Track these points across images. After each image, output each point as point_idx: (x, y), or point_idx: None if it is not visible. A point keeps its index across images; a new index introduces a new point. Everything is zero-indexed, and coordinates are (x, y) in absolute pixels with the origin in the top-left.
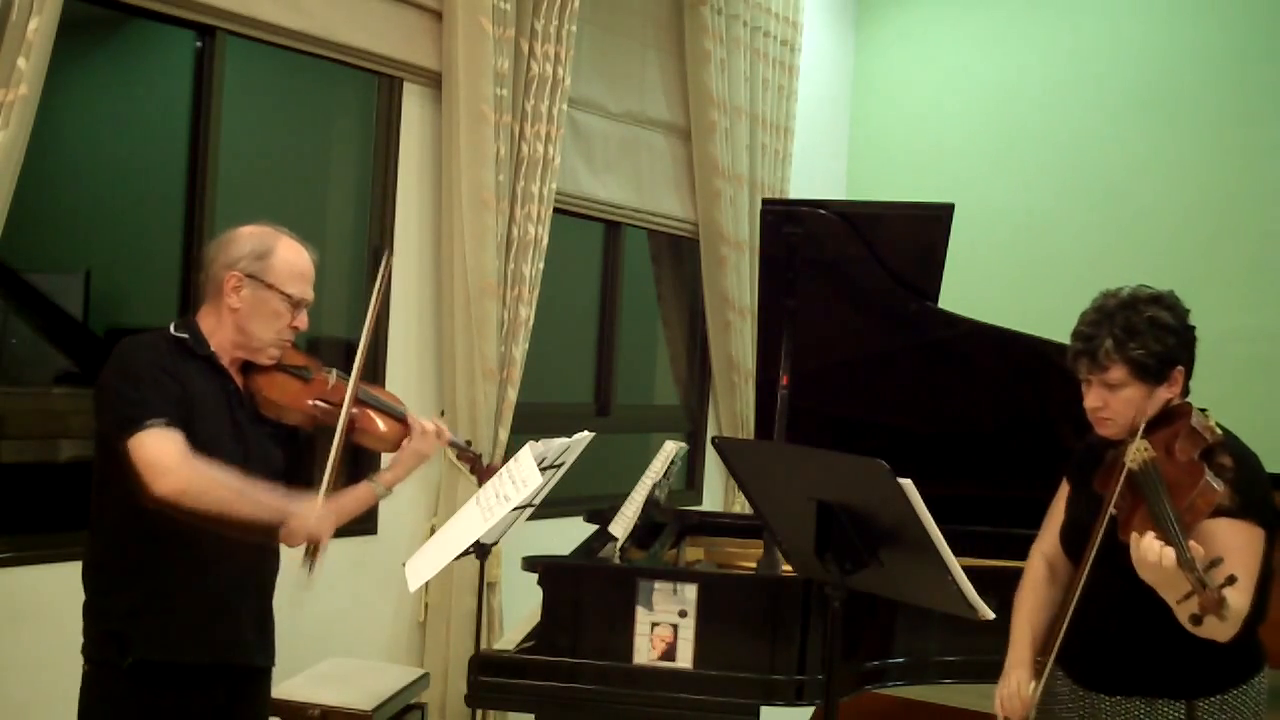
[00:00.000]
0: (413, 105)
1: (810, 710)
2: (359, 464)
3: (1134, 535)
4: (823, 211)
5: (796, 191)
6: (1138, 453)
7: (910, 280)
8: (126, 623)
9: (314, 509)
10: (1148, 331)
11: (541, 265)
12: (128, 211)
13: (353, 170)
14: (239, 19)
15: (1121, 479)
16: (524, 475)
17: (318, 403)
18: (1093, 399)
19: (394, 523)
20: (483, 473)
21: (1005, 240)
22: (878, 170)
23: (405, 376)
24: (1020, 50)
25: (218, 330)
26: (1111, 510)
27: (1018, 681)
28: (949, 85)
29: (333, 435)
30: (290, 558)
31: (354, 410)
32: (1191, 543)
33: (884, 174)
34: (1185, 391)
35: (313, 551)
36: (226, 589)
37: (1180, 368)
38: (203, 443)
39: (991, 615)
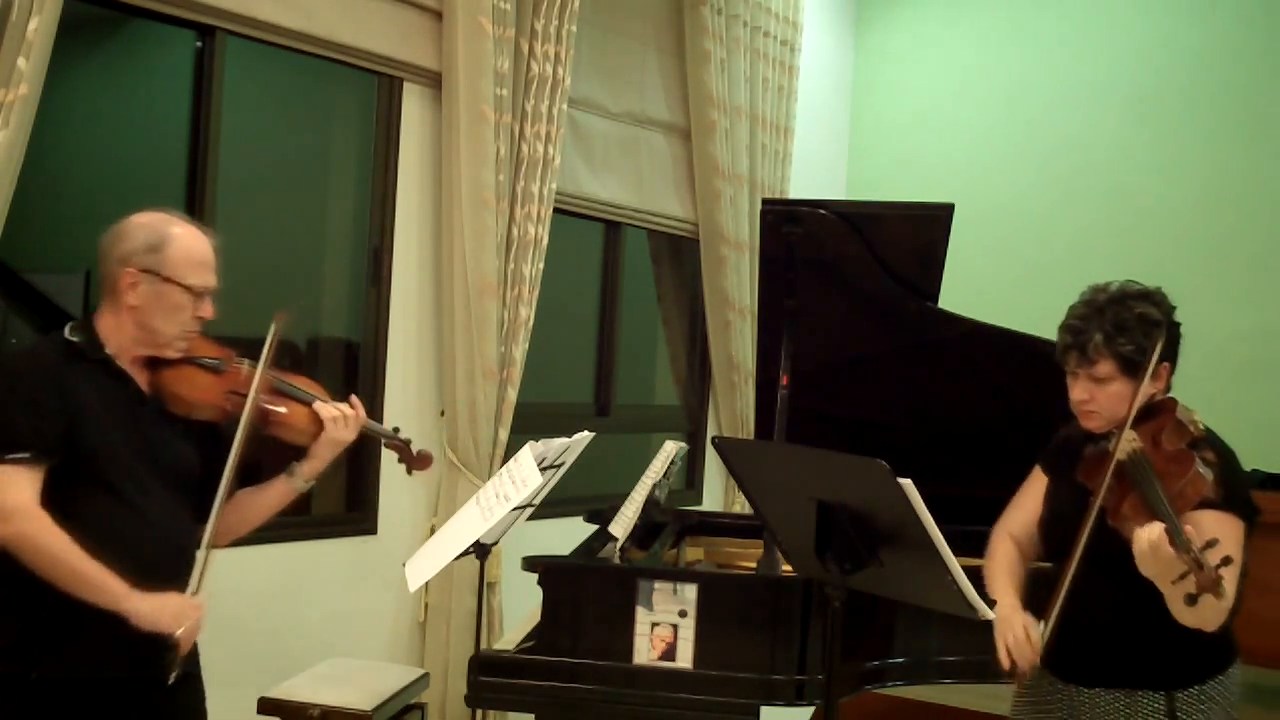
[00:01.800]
0: (413, 105)
1: (810, 710)
2: (358, 460)
3: (1136, 533)
4: (823, 211)
5: (796, 191)
6: (1126, 443)
7: (910, 280)
8: (30, 637)
9: (160, 603)
10: (1136, 327)
11: (541, 265)
12: (128, 212)
13: (353, 170)
14: (239, 19)
15: (1111, 469)
16: (524, 475)
17: (230, 396)
18: (1079, 392)
19: (394, 523)
20: (412, 460)
21: (1005, 240)
22: (878, 170)
23: (405, 376)
24: (1020, 50)
25: (117, 330)
26: (1099, 502)
27: (1024, 625)
28: (949, 85)
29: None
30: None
31: (267, 402)
32: (1186, 526)
33: (884, 174)
34: (1168, 387)
35: (173, 647)
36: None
37: (1166, 364)
38: (99, 454)
39: (991, 615)
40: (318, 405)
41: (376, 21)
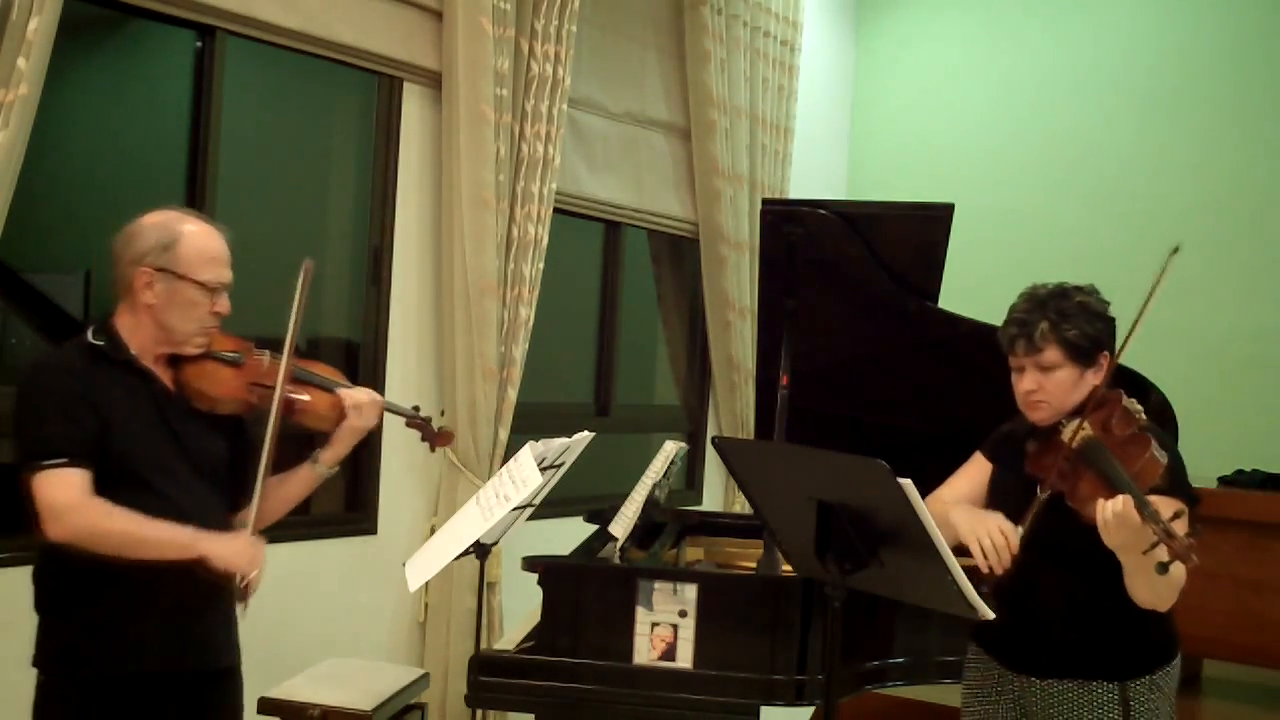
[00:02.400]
0: (413, 105)
1: (810, 710)
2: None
3: (1099, 504)
4: (823, 211)
5: (796, 191)
6: (1078, 431)
7: (910, 280)
8: (82, 640)
9: (232, 543)
10: (1079, 314)
11: (541, 265)
12: (128, 212)
13: (353, 170)
14: (239, 19)
15: (1065, 455)
16: (524, 475)
17: (253, 388)
18: (1027, 383)
19: (394, 523)
20: (435, 438)
21: (1005, 240)
22: (878, 170)
23: (405, 376)
24: (1020, 50)
25: (137, 330)
26: (1050, 489)
27: (999, 525)
28: (949, 85)
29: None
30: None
31: (290, 391)
32: (1152, 497)
33: (884, 174)
34: (1109, 380)
35: (243, 584)
36: (185, 598)
37: (1107, 353)
38: (131, 455)
39: (992, 615)
40: (341, 392)
41: (376, 21)
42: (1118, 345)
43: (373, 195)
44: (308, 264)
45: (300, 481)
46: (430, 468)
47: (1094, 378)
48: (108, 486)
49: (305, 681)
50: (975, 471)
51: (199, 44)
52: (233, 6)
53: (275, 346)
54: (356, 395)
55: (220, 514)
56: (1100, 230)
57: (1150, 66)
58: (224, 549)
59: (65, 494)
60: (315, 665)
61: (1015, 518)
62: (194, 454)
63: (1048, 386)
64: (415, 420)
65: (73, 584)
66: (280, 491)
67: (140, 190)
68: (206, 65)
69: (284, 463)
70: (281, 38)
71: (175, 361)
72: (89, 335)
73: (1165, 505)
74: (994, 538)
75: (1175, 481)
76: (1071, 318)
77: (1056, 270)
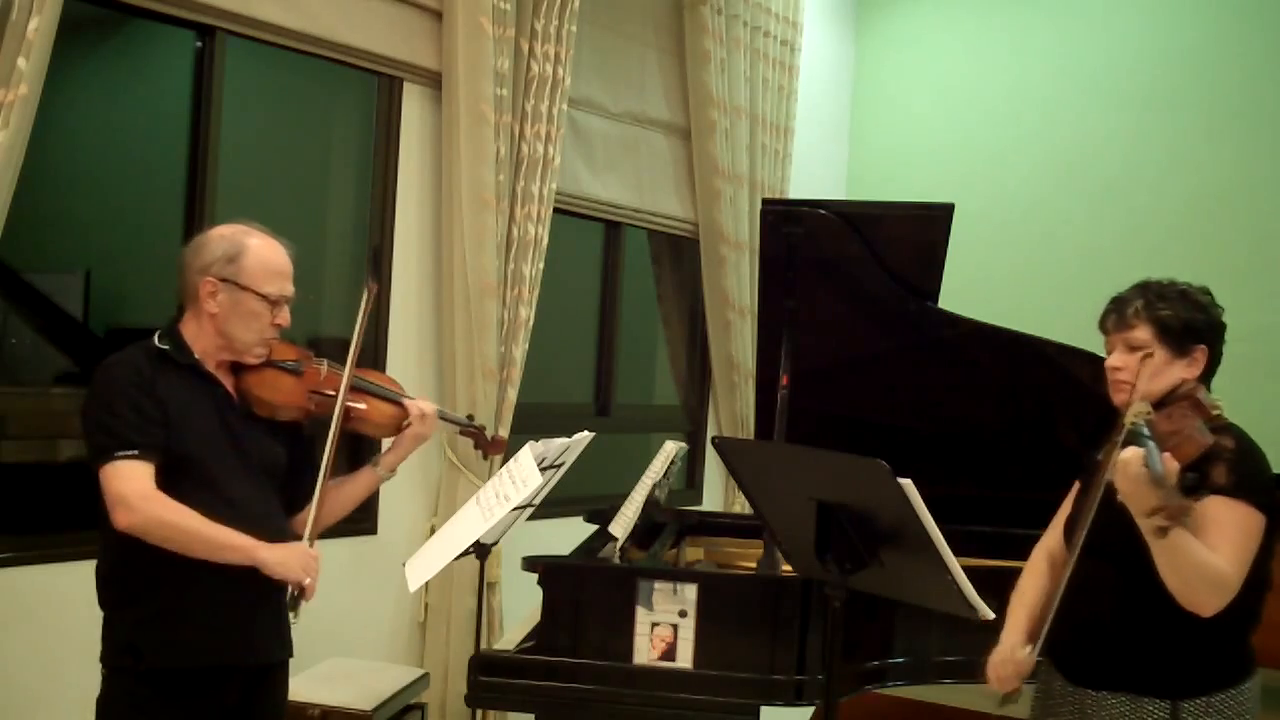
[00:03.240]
0: (413, 105)
1: (810, 710)
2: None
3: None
4: (823, 211)
5: (796, 191)
6: (1137, 413)
7: (910, 280)
8: (138, 634)
9: (288, 553)
10: (1178, 300)
11: (541, 265)
12: (128, 211)
13: (353, 170)
14: (239, 19)
15: (1119, 439)
16: (524, 475)
17: (312, 396)
18: (1114, 359)
19: (394, 523)
20: (488, 446)
21: (1005, 240)
22: (878, 170)
23: (405, 377)
24: (1020, 50)
25: (200, 336)
26: (1105, 477)
27: (1011, 645)
28: (949, 85)
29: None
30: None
31: (349, 401)
32: (1165, 455)
33: (884, 174)
34: (1204, 379)
35: (297, 593)
36: (239, 594)
37: (1203, 346)
38: (195, 455)
39: (991, 615)
40: (407, 402)
41: (376, 21)
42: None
43: (373, 195)
44: (372, 286)
45: (361, 485)
46: (430, 468)
47: (1185, 371)
48: (172, 484)
49: (305, 681)
50: (1069, 501)
51: (199, 44)
52: (233, 6)
53: (333, 356)
54: (421, 405)
55: (279, 517)
56: (1100, 230)
57: (1150, 66)
58: (279, 558)
59: (135, 484)
60: (315, 665)
61: (1080, 513)
62: (253, 458)
63: (1133, 366)
64: (469, 429)
65: (133, 580)
66: (339, 494)
67: (140, 190)
68: (206, 65)
69: (336, 469)
70: (282, 38)
71: (236, 369)
72: (155, 340)
73: (1212, 513)
74: (1001, 656)
75: (1242, 481)
76: (1169, 300)
77: (1056, 270)
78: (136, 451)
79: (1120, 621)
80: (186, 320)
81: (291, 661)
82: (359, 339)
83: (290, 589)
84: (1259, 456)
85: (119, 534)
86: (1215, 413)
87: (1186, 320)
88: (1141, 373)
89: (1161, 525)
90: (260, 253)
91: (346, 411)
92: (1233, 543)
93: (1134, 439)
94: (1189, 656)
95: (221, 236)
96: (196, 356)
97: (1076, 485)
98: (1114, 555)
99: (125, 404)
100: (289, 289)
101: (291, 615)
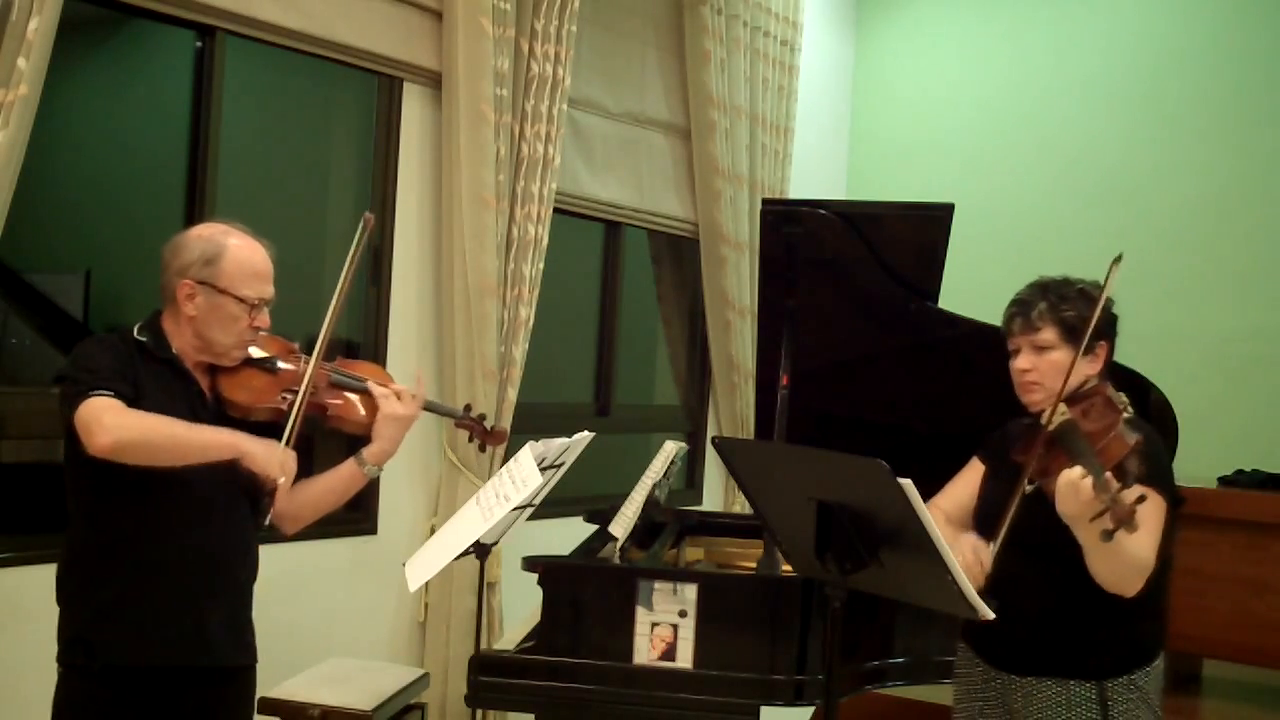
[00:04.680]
0: (413, 105)
1: (810, 710)
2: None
3: (1060, 474)
4: (822, 211)
5: (796, 191)
6: (1057, 416)
7: (910, 280)
8: (92, 628)
9: (268, 447)
10: (1078, 299)
11: (541, 265)
12: (128, 211)
13: (353, 170)
14: (239, 19)
15: (1043, 440)
16: (524, 475)
17: (285, 395)
18: (1022, 361)
19: (394, 523)
20: (486, 437)
21: (1005, 240)
22: (878, 170)
23: (405, 377)
24: (1020, 50)
25: (178, 335)
26: (1031, 479)
27: (972, 546)
28: (949, 85)
29: (321, 430)
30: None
31: (323, 397)
32: (1106, 471)
33: (884, 173)
34: (1104, 373)
35: (270, 493)
36: (194, 591)
37: (1104, 343)
38: None
39: (991, 615)
40: (370, 386)
41: (376, 21)
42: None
43: (373, 195)
44: (369, 217)
45: (342, 479)
46: (430, 468)
47: (1089, 367)
48: (138, 483)
49: (305, 681)
50: (970, 475)
51: (199, 44)
52: (233, 6)
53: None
54: (389, 389)
55: (246, 519)
56: (1100, 230)
57: (1149, 66)
58: (260, 449)
59: (108, 406)
60: (315, 665)
61: (999, 510)
62: (225, 462)
63: (1041, 367)
64: (465, 420)
65: (87, 572)
66: (319, 489)
67: (140, 190)
68: (206, 65)
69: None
70: (281, 38)
71: (212, 370)
72: (134, 331)
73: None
74: (965, 557)
75: (1150, 472)
76: (1070, 300)
77: (1056, 270)
78: (112, 393)
79: (1045, 611)
80: (166, 317)
81: (291, 662)
82: (331, 325)
83: (266, 488)
84: (1162, 448)
85: (79, 524)
86: (1125, 409)
87: (1088, 318)
88: (1050, 372)
89: (1108, 529)
90: (239, 255)
91: (323, 409)
92: (1149, 529)
93: (1064, 441)
94: (1113, 640)
95: (200, 237)
96: (175, 351)
97: (977, 466)
98: (1034, 547)
99: (105, 360)
100: (268, 291)
101: (263, 512)
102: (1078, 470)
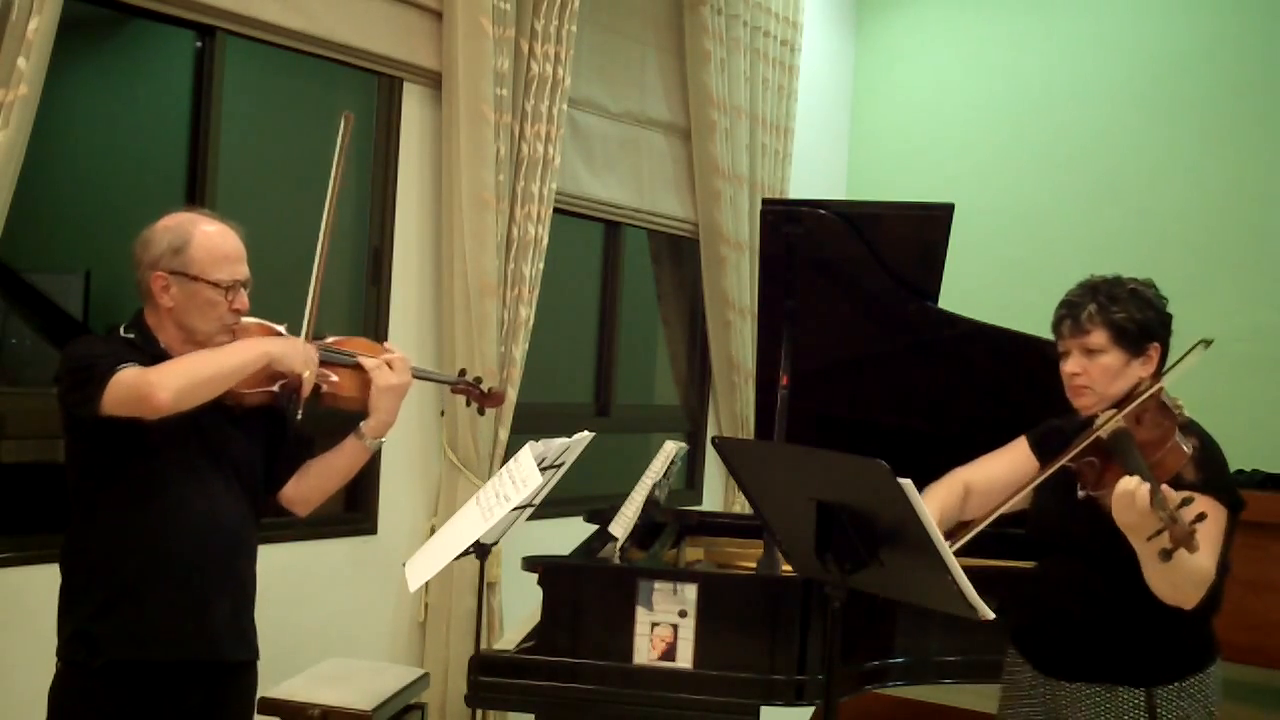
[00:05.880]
0: (413, 105)
1: (810, 710)
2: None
3: (1117, 482)
4: (823, 211)
5: (796, 191)
6: (1109, 421)
7: (910, 280)
8: (95, 622)
9: (290, 343)
10: (1129, 300)
11: (541, 265)
12: (128, 211)
13: (353, 170)
14: (239, 19)
15: (1096, 446)
16: (524, 475)
17: (274, 377)
18: (1072, 365)
19: (394, 523)
20: (484, 400)
21: (1005, 240)
22: (878, 170)
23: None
24: (1020, 50)
25: (162, 330)
26: (1086, 489)
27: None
28: (949, 85)
29: (303, 412)
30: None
31: (319, 376)
32: (1163, 485)
33: (884, 174)
34: (1158, 373)
35: (297, 389)
36: (198, 585)
37: (1157, 344)
38: (159, 449)
39: (991, 615)
40: (361, 360)
41: (376, 21)
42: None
43: (373, 195)
44: (349, 115)
45: (346, 455)
46: (430, 468)
47: (1141, 369)
48: (137, 481)
49: (305, 681)
50: (1012, 456)
51: (199, 44)
52: (233, 6)
53: (314, 337)
54: (377, 359)
55: (245, 514)
56: (1100, 230)
57: (1149, 66)
58: (283, 347)
59: (140, 371)
60: (315, 665)
61: (1050, 516)
62: (219, 452)
63: (1092, 371)
64: (461, 385)
65: (90, 566)
66: (326, 467)
67: (140, 190)
68: (206, 65)
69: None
70: (281, 38)
71: None
72: (121, 330)
73: (1178, 493)
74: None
75: (1209, 479)
76: (1121, 302)
77: (1056, 270)
78: (131, 363)
79: (1092, 615)
80: (148, 313)
81: (291, 662)
82: (318, 285)
83: (291, 384)
84: (1220, 452)
85: (81, 518)
86: (1180, 412)
87: (1141, 321)
88: (1100, 377)
89: (1167, 548)
90: (206, 241)
91: (317, 388)
92: (1209, 539)
93: (1118, 452)
94: (1161, 646)
95: (166, 228)
96: (163, 347)
97: (1026, 453)
98: (1081, 550)
99: (108, 347)
100: (242, 272)
101: (296, 409)
102: (1134, 482)
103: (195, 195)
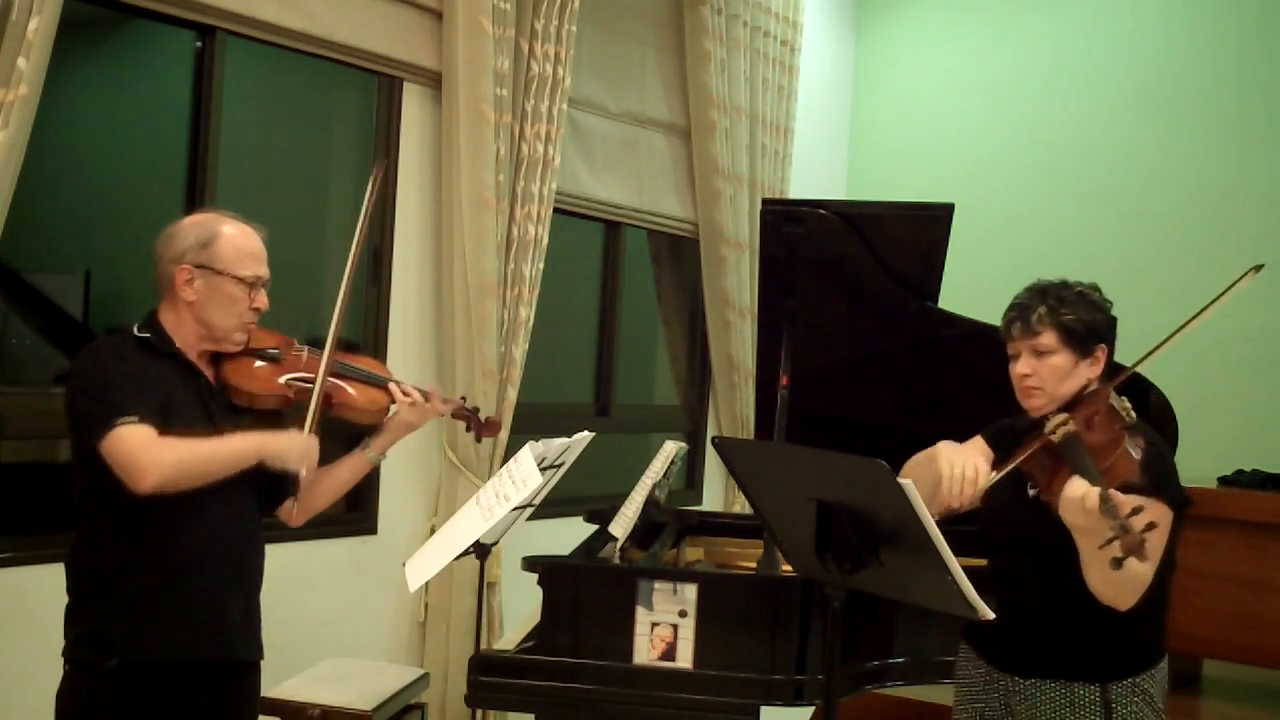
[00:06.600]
0: (413, 105)
1: (810, 710)
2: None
3: (1066, 485)
4: (823, 211)
5: (796, 191)
6: (1059, 425)
7: (910, 280)
8: (108, 623)
9: (290, 438)
10: (1077, 302)
11: (541, 265)
12: (128, 211)
13: (353, 170)
14: (239, 19)
15: (1045, 449)
16: (524, 475)
17: (291, 381)
18: (1021, 366)
19: (394, 523)
20: (482, 428)
21: (1005, 240)
22: (878, 170)
23: (405, 377)
24: (1020, 50)
25: (180, 326)
26: (1030, 490)
27: (976, 461)
28: (949, 85)
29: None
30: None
31: (331, 383)
32: (1112, 491)
33: (884, 173)
34: (1105, 375)
35: (293, 482)
36: (210, 585)
37: (1104, 346)
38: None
39: (991, 615)
40: (392, 386)
41: (376, 21)
42: (1157, 348)
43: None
44: (380, 168)
45: (349, 468)
46: (430, 468)
47: (1089, 371)
48: None
49: (305, 681)
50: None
51: (199, 44)
52: (233, 6)
53: (319, 344)
54: (411, 394)
55: (251, 516)
56: (1100, 230)
57: (1149, 66)
58: (281, 444)
59: (142, 441)
60: (315, 665)
61: (1002, 515)
62: None
63: (1042, 372)
64: (461, 411)
65: (105, 566)
66: (327, 479)
67: (140, 190)
68: (206, 65)
69: (331, 457)
70: (281, 38)
71: (216, 359)
72: (134, 329)
73: (1128, 501)
74: (966, 469)
75: (1156, 481)
76: (1069, 304)
77: (1056, 270)
78: (136, 418)
79: (1048, 613)
80: (164, 312)
81: (291, 662)
82: (343, 306)
83: (290, 475)
84: (1167, 450)
85: (92, 520)
86: (1128, 417)
87: (1089, 322)
88: (1050, 378)
89: (1118, 557)
90: (233, 237)
91: (329, 397)
92: (1154, 547)
93: (1068, 456)
94: (1115, 643)
95: (194, 224)
96: (178, 345)
97: (985, 450)
98: (1033, 548)
99: (119, 374)
100: (264, 271)
101: (291, 502)
102: (1083, 486)
103: (195, 195)
